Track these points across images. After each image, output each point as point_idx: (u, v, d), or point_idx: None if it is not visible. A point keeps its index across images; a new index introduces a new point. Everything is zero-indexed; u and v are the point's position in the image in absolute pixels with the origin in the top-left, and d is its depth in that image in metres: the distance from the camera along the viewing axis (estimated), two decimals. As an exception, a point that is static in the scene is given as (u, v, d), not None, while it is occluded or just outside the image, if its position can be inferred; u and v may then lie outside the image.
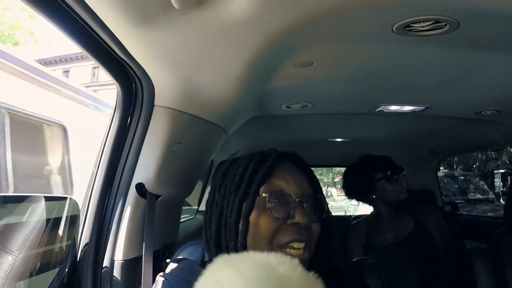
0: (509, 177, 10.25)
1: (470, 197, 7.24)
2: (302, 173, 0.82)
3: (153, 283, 1.03)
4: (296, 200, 0.77)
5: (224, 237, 0.79)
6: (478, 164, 11.91)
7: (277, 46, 0.95)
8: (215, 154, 1.70)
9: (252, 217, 0.77)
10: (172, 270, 0.84)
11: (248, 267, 0.55)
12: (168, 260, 0.90)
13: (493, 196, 8.26)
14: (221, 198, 0.81)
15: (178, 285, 0.78)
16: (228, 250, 0.77)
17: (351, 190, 2.03)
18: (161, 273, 0.84)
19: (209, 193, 0.86)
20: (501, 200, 10.01)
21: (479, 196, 7.65)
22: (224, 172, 0.85)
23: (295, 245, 0.75)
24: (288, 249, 0.75)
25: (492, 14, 0.85)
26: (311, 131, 2.39)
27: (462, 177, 8.14)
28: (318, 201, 0.81)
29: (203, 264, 0.82)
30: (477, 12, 0.85)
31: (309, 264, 0.77)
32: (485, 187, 8.66)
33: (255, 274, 0.53)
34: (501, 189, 10.59)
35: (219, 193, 0.83)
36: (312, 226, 0.78)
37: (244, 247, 0.76)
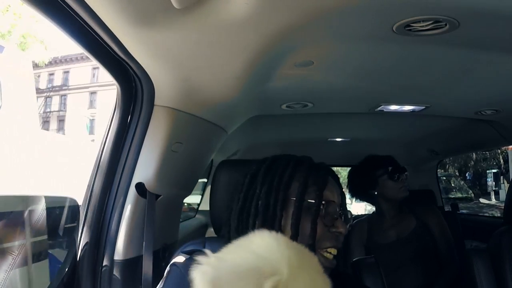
0: (501, 177, 10.37)
1: (451, 195, 7.96)
2: (337, 186, 0.89)
3: (153, 283, 1.03)
4: (339, 211, 0.84)
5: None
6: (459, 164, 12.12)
7: (277, 46, 0.95)
8: (215, 154, 1.70)
9: (302, 221, 0.82)
10: (185, 260, 0.84)
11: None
12: (181, 254, 0.90)
13: (472, 195, 9.23)
14: (265, 194, 0.83)
15: (189, 275, 0.78)
16: None
17: (355, 189, 2.04)
18: (173, 263, 0.85)
19: (235, 190, 0.88)
20: (493, 199, 10.23)
21: (459, 195, 8.56)
22: (267, 168, 0.87)
23: (332, 250, 0.82)
24: (325, 253, 0.81)
25: (492, 14, 0.85)
26: (311, 131, 2.39)
27: (445, 178, 8.78)
28: (348, 213, 0.88)
29: None
30: (477, 12, 0.85)
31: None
32: (466, 187, 9.73)
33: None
34: (494, 189, 10.74)
35: (261, 188, 0.84)
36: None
37: (313, 251, 0.81)
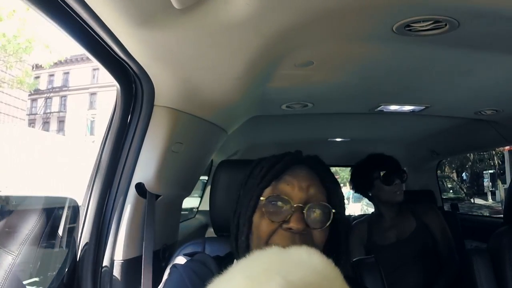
0: (499, 178, 10.48)
1: (443, 196, 8.22)
2: (315, 178, 0.80)
3: (153, 283, 1.03)
4: (295, 205, 0.76)
5: (235, 234, 0.82)
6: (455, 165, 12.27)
7: (277, 46, 0.95)
8: (215, 154, 1.70)
9: (254, 219, 0.78)
10: (186, 262, 0.84)
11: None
12: (182, 256, 0.91)
13: (464, 195, 9.47)
14: (243, 197, 0.83)
15: (189, 276, 0.78)
16: (238, 247, 0.80)
17: (355, 188, 2.04)
18: (174, 264, 0.85)
19: (236, 190, 0.88)
20: (490, 199, 10.40)
21: (451, 195, 8.75)
22: (250, 171, 0.86)
23: None
24: None
25: (492, 14, 0.85)
26: (311, 131, 2.39)
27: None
28: (323, 208, 0.77)
29: (218, 259, 0.84)
30: (477, 12, 0.85)
31: None
32: (457, 187, 10.04)
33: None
34: (490, 189, 10.83)
35: (243, 193, 0.84)
36: (314, 234, 0.76)
37: (247, 247, 0.78)
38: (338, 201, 0.81)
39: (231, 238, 0.83)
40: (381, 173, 1.83)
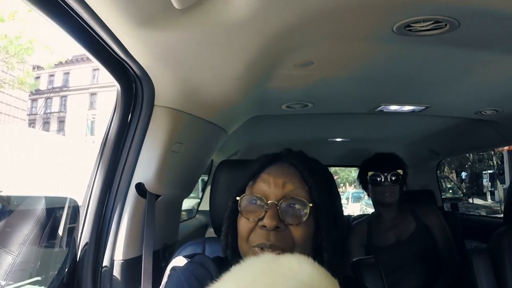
0: (497, 179, 10.55)
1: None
2: (293, 173, 0.79)
3: (153, 283, 1.03)
4: (269, 202, 0.75)
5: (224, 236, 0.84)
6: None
7: (277, 46, 0.95)
8: (215, 154, 1.70)
9: (237, 219, 0.80)
10: (185, 264, 0.84)
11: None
12: (181, 256, 0.91)
13: (462, 195, 9.76)
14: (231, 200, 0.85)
15: (187, 280, 0.78)
16: (228, 247, 0.82)
17: (360, 184, 2.05)
18: (173, 267, 0.85)
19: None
20: (489, 199, 10.48)
21: (448, 195, 8.91)
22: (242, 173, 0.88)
23: (266, 248, 0.73)
24: (258, 252, 0.74)
25: (492, 14, 0.85)
26: (311, 131, 2.39)
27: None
28: (297, 204, 0.76)
29: (218, 260, 0.83)
30: (477, 12, 0.85)
31: None
32: (455, 187, 10.32)
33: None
34: (490, 189, 10.88)
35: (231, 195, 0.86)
36: (292, 230, 0.75)
37: (232, 247, 0.80)
38: (320, 195, 0.77)
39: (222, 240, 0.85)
40: (369, 173, 1.83)
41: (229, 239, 0.81)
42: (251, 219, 0.76)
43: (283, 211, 0.75)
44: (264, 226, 0.74)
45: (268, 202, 0.75)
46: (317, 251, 0.78)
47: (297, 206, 0.76)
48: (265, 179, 0.78)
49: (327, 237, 0.77)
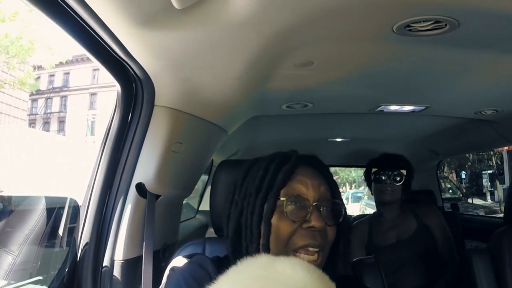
0: (497, 179, 10.59)
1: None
2: (321, 176, 0.82)
3: (153, 283, 1.03)
4: (313, 204, 0.77)
5: (244, 238, 0.79)
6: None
7: (277, 46, 0.95)
8: (215, 154, 1.70)
9: (272, 220, 0.78)
10: (183, 265, 0.84)
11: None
12: (181, 256, 0.90)
13: (462, 195, 9.99)
14: (241, 199, 0.82)
15: (186, 281, 0.78)
16: (248, 252, 0.77)
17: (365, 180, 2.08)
18: (172, 267, 0.84)
19: (229, 193, 0.86)
20: (488, 199, 10.51)
21: (448, 195, 9.03)
22: (245, 172, 0.85)
23: (310, 249, 0.75)
24: (301, 254, 0.75)
25: (492, 14, 0.85)
26: (311, 131, 2.39)
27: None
28: (335, 205, 0.80)
29: (217, 260, 0.83)
30: (477, 12, 0.85)
31: (323, 269, 0.77)
32: (455, 187, 10.55)
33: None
34: (489, 189, 10.90)
35: (239, 194, 0.83)
36: (328, 230, 0.78)
37: (267, 250, 0.76)
38: (340, 197, 0.83)
39: (228, 242, 0.82)
40: (373, 170, 1.87)
41: (263, 243, 0.76)
42: (296, 220, 0.76)
43: (325, 212, 0.78)
44: (312, 227, 0.75)
45: (313, 203, 0.77)
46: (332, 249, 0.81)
47: (337, 207, 0.80)
48: (301, 180, 0.79)
49: (344, 239, 0.82)
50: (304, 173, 0.81)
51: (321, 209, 0.77)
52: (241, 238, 0.80)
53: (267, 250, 0.76)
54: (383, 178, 1.84)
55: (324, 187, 0.80)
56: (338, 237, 0.81)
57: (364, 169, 2.04)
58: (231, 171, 1.16)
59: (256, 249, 0.76)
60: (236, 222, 0.81)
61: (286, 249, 0.76)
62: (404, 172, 1.85)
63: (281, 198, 0.77)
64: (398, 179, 1.83)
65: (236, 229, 0.80)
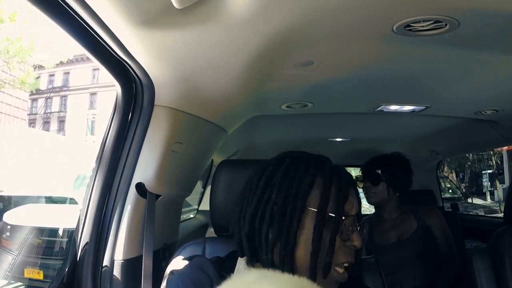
0: (497, 178, 10.60)
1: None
2: (354, 193, 0.81)
3: (153, 283, 1.03)
4: (356, 224, 0.77)
5: (280, 243, 0.74)
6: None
7: (277, 46, 0.95)
8: (215, 154, 1.70)
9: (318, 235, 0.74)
10: (183, 268, 0.82)
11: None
12: (181, 257, 0.90)
13: (461, 195, 10.06)
14: (281, 201, 0.74)
15: (186, 285, 0.77)
16: (264, 263, 0.74)
17: None
18: (172, 271, 0.84)
19: (258, 186, 0.78)
20: (488, 199, 10.51)
21: (447, 195, 9.01)
22: (286, 171, 0.78)
23: (345, 264, 0.76)
24: (338, 268, 0.75)
25: (492, 14, 0.85)
26: (311, 131, 2.39)
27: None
28: (363, 224, 0.80)
29: (218, 261, 0.82)
30: (477, 12, 0.85)
31: None
32: (454, 187, 10.59)
33: None
34: (489, 189, 10.91)
35: (278, 194, 0.75)
36: None
37: (329, 268, 0.73)
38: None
39: (264, 250, 0.74)
40: (357, 176, 1.89)
41: (327, 261, 0.72)
42: (344, 239, 0.75)
43: (361, 234, 0.78)
44: (355, 247, 0.76)
45: (357, 224, 0.77)
46: None
47: (363, 226, 0.80)
48: (350, 201, 0.78)
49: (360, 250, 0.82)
50: (352, 192, 0.80)
51: (358, 229, 0.77)
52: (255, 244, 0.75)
53: (328, 268, 0.73)
54: (362, 182, 1.85)
55: (357, 206, 0.80)
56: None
57: None
58: (231, 171, 1.16)
59: (282, 265, 0.73)
60: (275, 226, 0.74)
61: (329, 266, 0.74)
62: (379, 171, 1.81)
63: (343, 217, 0.75)
64: (375, 180, 1.82)
65: (271, 233, 0.74)
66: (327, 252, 0.72)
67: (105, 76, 1.04)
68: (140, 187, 1.12)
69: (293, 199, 0.73)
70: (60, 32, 0.81)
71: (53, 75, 22.24)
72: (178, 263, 0.87)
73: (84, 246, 1.07)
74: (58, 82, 23.06)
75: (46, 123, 22.38)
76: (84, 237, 1.08)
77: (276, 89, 1.40)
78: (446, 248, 1.85)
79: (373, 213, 2.05)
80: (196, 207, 2.71)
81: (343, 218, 0.74)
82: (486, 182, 11.36)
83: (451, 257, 1.84)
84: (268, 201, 0.75)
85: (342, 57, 1.15)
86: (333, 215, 0.73)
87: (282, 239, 0.73)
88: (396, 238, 1.87)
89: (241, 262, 0.81)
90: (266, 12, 0.80)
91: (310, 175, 0.76)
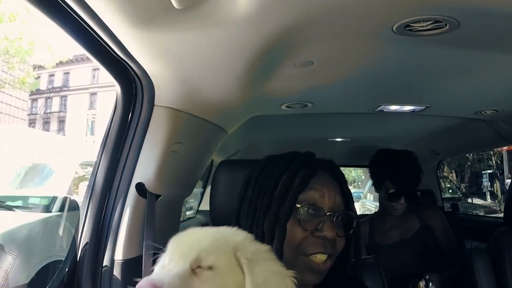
0: (496, 179, 10.62)
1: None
2: (336, 185, 0.82)
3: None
4: (327, 214, 0.77)
5: (255, 237, 0.78)
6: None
7: (277, 46, 0.95)
8: (215, 154, 1.70)
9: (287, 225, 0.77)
10: None
11: None
12: None
13: (461, 195, 10.01)
14: (255, 196, 0.81)
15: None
16: None
17: (370, 175, 2.07)
18: None
19: (241, 187, 0.85)
20: (488, 199, 10.55)
21: (447, 195, 8.93)
22: (261, 169, 0.84)
23: (318, 256, 0.76)
24: (311, 257, 0.76)
25: (492, 14, 0.85)
26: (311, 131, 2.39)
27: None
28: (348, 216, 0.80)
29: None
30: (477, 12, 0.85)
31: (328, 274, 0.78)
32: (454, 187, 10.51)
33: None
34: (489, 189, 10.95)
35: (253, 191, 0.82)
36: (337, 240, 0.78)
37: (280, 254, 0.75)
38: (354, 208, 0.84)
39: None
40: (390, 190, 1.81)
41: (277, 248, 0.75)
42: (308, 229, 0.76)
43: (337, 223, 0.78)
44: (324, 237, 0.75)
45: (327, 213, 0.77)
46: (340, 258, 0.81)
47: (349, 219, 0.80)
48: (318, 189, 0.78)
49: (358, 245, 0.83)
50: (321, 180, 0.80)
51: (334, 219, 0.77)
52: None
53: (279, 254, 0.74)
54: (400, 199, 1.79)
55: (339, 198, 0.80)
56: (348, 245, 0.81)
57: (364, 168, 2.03)
58: (231, 171, 1.16)
59: None
60: (248, 219, 0.80)
61: (296, 254, 0.76)
62: (418, 193, 1.84)
63: (297, 205, 0.77)
64: (413, 200, 1.83)
65: (246, 226, 0.79)
66: (277, 239, 0.74)
67: (105, 76, 1.04)
68: (140, 187, 1.12)
69: (262, 194, 0.79)
70: (60, 32, 0.81)
71: (53, 75, 22.25)
72: None
73: (84, 246, 1.07)
74: (58, 82, 23.06)
75: (46, 123, 22.39)
76: (84, 237, 1.08)
77: (276, 89, 1.40)
78: (447, 248, 1.86)
79: (374, 212, 2.05)
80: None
81: (297, 206, 0.76)
82: (486, 182, 11.37)
83: (452, 257, 1.84)
84: (244, 199, 0.82)
85: (342, 57, 1.15)
86: (292, 202, 0.76)
87: (254, 230, 0.77)
88: (399, 237, 1.87)
89: None
90: (266, 12, 0.80)
91: (279, 170, 0.81)
